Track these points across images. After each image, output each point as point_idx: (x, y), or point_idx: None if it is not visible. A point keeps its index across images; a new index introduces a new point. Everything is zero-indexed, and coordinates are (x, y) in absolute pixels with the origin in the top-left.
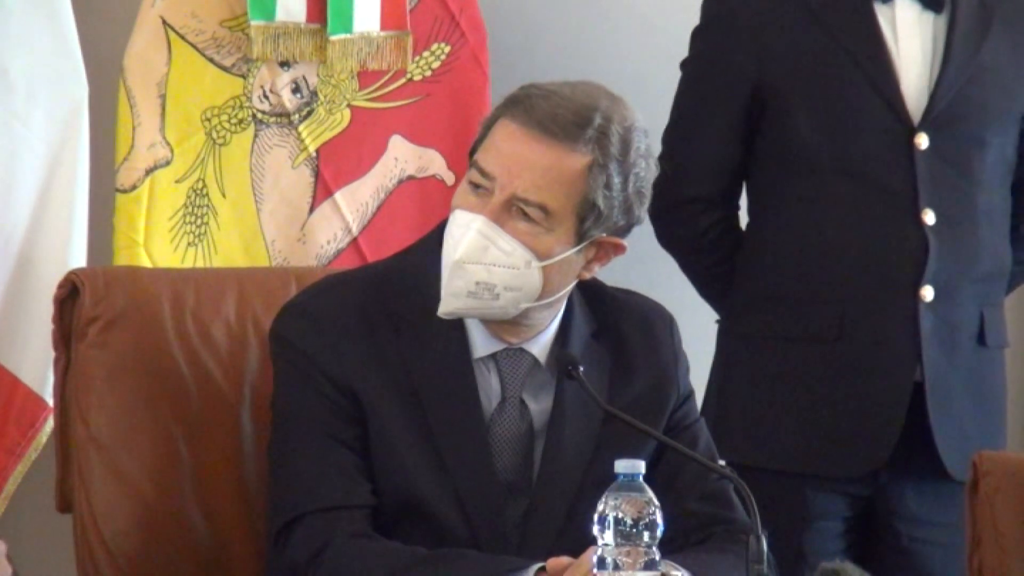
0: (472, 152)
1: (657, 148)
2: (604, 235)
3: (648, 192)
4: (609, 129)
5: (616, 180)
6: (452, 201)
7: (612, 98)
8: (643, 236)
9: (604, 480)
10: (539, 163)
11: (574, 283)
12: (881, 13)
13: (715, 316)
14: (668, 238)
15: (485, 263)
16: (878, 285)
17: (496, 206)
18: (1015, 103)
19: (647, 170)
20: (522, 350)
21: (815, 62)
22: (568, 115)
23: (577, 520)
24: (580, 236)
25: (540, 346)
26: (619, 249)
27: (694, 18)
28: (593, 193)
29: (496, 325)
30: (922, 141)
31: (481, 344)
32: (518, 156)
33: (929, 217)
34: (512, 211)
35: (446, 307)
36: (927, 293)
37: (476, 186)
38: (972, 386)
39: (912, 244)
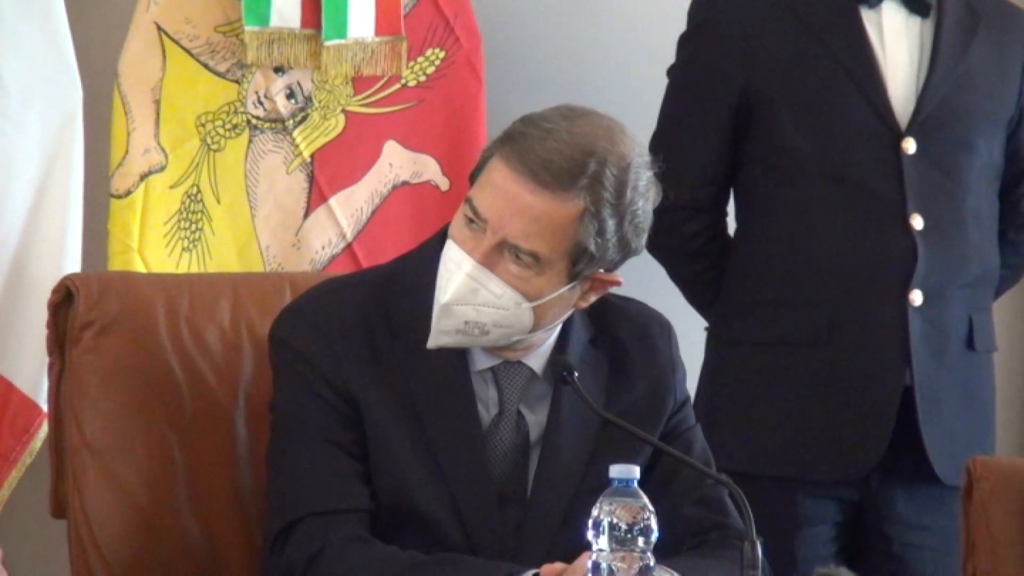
0: (472, 178)
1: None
2: (599, 272)
3: (648, 223)
4: (603, 175)
5: (610, 224)
6: (450, 228)
7: (611, 136)
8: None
9: (600, 486)
10: (530, 211)
11: (569, 312)
12: (868, 18)
13: (704, 323)
14: (656, 245)
15: (474, 304)
16: (867, 290)
17: (487, 249)
18: (1002, 107)
19: (647, 203)
20: (520, 363)
21: (802, 68)
22: (562, 161)
23: (573, 525)
24: (572, 276)
25: (538, 358)
26: (613, 284)
27: (682, 25)
28: (585, 240)
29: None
30: (909, 146)
31: (480, 358)
32: (510, 202)
33: (917, 222)
34: (504, 253)
35: (435, 342)
36: (916, 298)
37: (471, 220)
38: (961, 390)
39: (900, 249)
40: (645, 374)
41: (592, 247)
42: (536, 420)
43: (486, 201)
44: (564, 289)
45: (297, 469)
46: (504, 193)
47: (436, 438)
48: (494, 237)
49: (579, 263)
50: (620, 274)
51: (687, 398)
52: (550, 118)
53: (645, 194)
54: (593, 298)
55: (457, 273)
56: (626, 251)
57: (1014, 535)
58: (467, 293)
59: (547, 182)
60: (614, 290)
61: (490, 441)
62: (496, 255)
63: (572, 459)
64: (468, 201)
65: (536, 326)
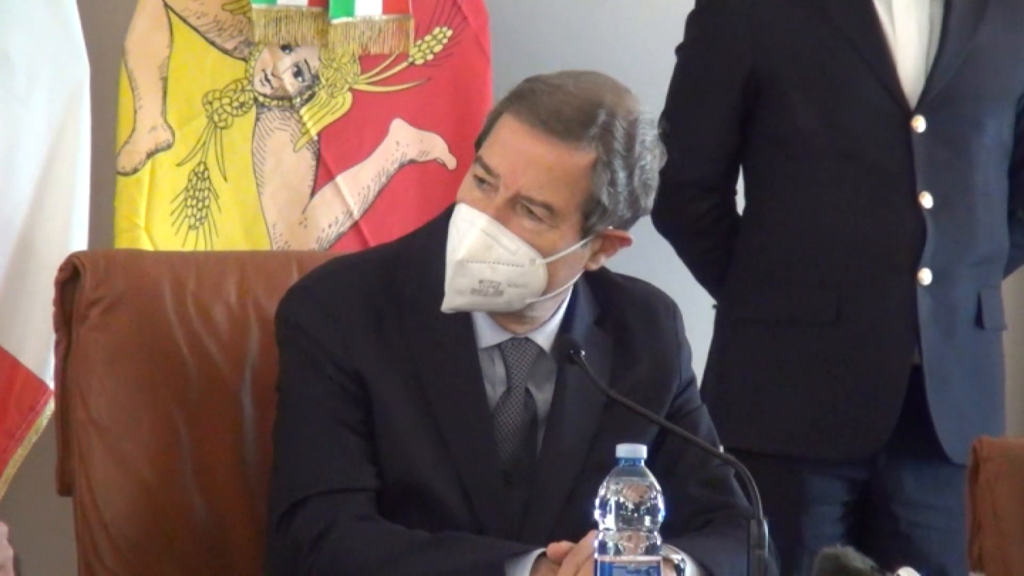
0: (478, 144)
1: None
2: (610, 228)
3: (655, 182)
4: (613, 125)
5: (621, 175)
6: (457, 194)
7: (617, 91)
8: (640, 222)
9: (605, 465)
10: (543, 162)
11: (580, 274)
12: None
13: (712, 301)
14: (665, 223)
15: (489, 261)
16: (876, 268)
17: (500, 204)
18: (1011, 85)
19: (654, 161)
20: (527, 339)
21: (811, 45)
22: (572, 112)
23: (578, 505)
24: (585, 232)
25: (545, 335)
26: (625, 241)
27: (691, 3)
28: (598, 191)
29: (501, 316)
30: (919, 124)
31: (487, 334)
32: (522, 154)
33: (926, 200)
34: (516, 209)
35: (449, 303)
36: (925, 276)
37: (481, 181)
38: (970, 369)
39: (909, 227)
40: (650, 354)
41: (605, 198)
42: (544, 398)
43: (497, 156)
44: (577, 246)
45: (303, 448)
46: (516, 146)
47: (443, 416)
48: (507, 191)
49: (592, 216)
50: (627, 254)
51: (692, 378)
52: (555, 77)
53: (652, 150)
54: (603, 259)
55: (471, 230)
56: (636, 209)
57: (1020, 515)
58: (482, 249)
59: (559, 131)
60: (617, 270)
61: (498, 419)
62: (509, 210)
63: (576, 438)
64: (478, 161)
65: (549, 286)
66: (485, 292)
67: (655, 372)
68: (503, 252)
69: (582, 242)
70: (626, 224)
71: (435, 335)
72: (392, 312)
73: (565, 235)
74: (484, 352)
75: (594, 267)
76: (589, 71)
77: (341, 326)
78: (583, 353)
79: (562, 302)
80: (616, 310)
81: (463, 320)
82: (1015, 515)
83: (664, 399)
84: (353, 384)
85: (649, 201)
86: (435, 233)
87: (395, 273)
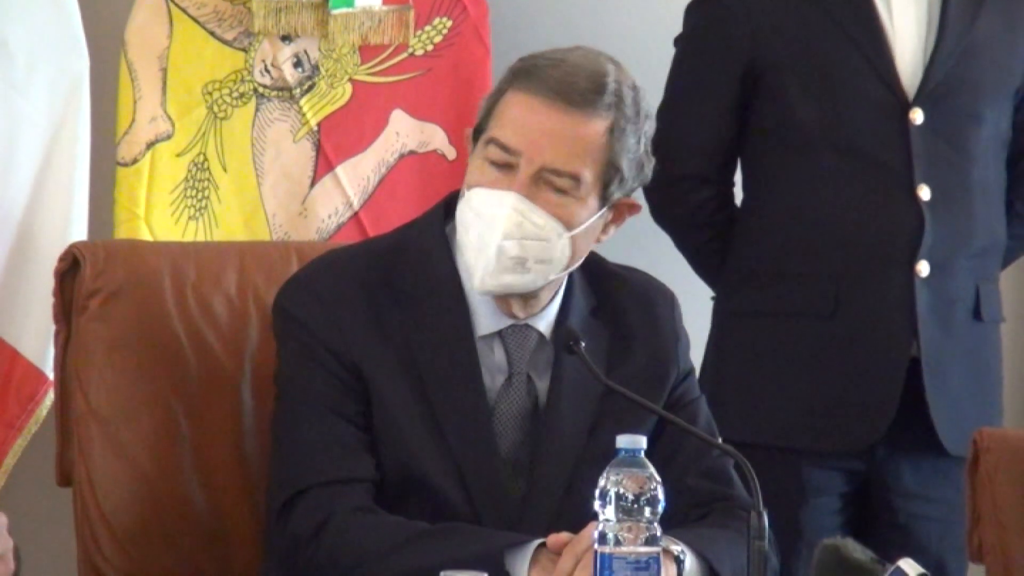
0: (477, 132)
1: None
2: (623, 196)
3: (651, 151)
4: (623, 92)
5: (632, 141)
6: (467, 180)
7: (613, 61)
8: (639, 215)
9: (603, 455)
10: (565, 132)
11: (594, 245)
12: None
13: (711, 293)
14: (663, 215)
15: (518, 238)
16: (873, 260)
17: (525, 180)
18: (1009, 78)
19: (651, 129)
20: (528, 326)
21: (809, 37)
22: (584, 82)
23: (576, 495)
24: (603, 200)
25: (546, 322)
26: (634, 209)
27: None
28: (616, 158)
29: (508, 300)
30: (917, 116)
31: (486, 321)
32: (542, 127)
33: (924, 192)
34: (540, 183)
35: (483, 286)
36: (923, 268)
37: (497, 163)
38: (968, 361)
39: (907, 219)
40: (647, 344)
41: (623, 165)
42: (545, 386)
43: (516, 134)
44: (597, 216)
45: (301, 439)
46: (534, 120)
47: (441, 407)
48: (531, 166)
49: (611, 184)
50: (626, 246)
51: (691, 369)
52: (550, 53)
53: (650, 118)
54: (613, 230)
55: (500, 209)
56: (642, 176)
57: (1020, 507)
58: (514, 227)
59: (576, 101)
60: (619, 260)
61: (499, 406)
62: (534, 186)
63: (574, 428)
64: (491, 143)
65: (571, 260)
66: (515, 271)
67: (653, 362)
68: (532, 228)
69: (600, 212)
70: (632, 192)
71: (432, 325)
72: (389, 303)
73: (588, 205)
74: (484, 340)
75: (604, 239)
76: (576, 46)
77: (338, 317)
78: (583, 344)
79: (560, 286)
80: (613, 300)
81: (460, 309)
82: (1014, 506)
83: (662, 389)
84: (351, 375)
85: (650, 168)
86: (431, 224)
87: (392, 264)
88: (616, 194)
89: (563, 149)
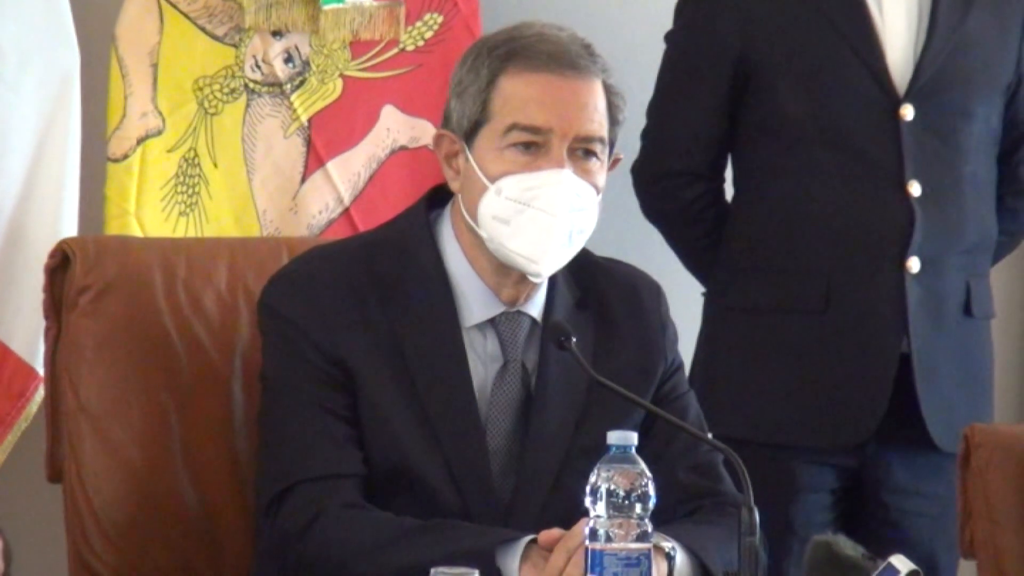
0: (476, 126)
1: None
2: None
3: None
4: (597, 53)
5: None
6: (488, 173)
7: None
8: (629, 209)
9: (590, 449)
10: (583, 99)
11: None
12: None
13: (701, 289)
14: (654, 211)
15: (576, 213)
16: (864, 257)
17: (564, 155)
18: (1000, 73)
19: None
20: (520, 312)
21: (800, 34)
22: (574, 48)
23: (564, 489)
24: (609, 157)
25: (537, 307)
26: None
27: None
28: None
29: (513, 284)
30: (907, 112)
31: (478, 310)
32: (564, 99)
33: (915, 188)
34: (573, 155)
35: (549, 268)
36: (913, 264)
37: (525, 146)
38: (959, 357)
39: (898, 215)
40: (634, 336)
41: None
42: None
43: (539, 111)
44: (605, 172)
45: (289, 435)
46: (553, 95)
47: (429, 400)
48: (564, 140)
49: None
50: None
51: (680, 364)
52: (516, 30)
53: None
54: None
55: (554, 188)
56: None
57: (1011, 502)
58: (573, 206)
59: (580, 67)
60: (610, 255)
61: (495, 396)
62: (570, 159)
63: (562, 420)
64: (513, 129)
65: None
66: (570, 247)
67: (640, 355)
68: (580, 200)
69: (606, 168)
70: None
71: (418, 317)
72: (375, 297)
73: (605, 164)
74: (475, 329)
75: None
76: (522, 22)
77: (323, 312)
78: (574, 339)
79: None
80: (598, 292)
81: (446, 300)
82: (1006, 502)
83: (650, 383)
84: (337, 370)
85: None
86: (415, 216)
87: (377, 258)
88: (613, 148)
89: (591, 115)
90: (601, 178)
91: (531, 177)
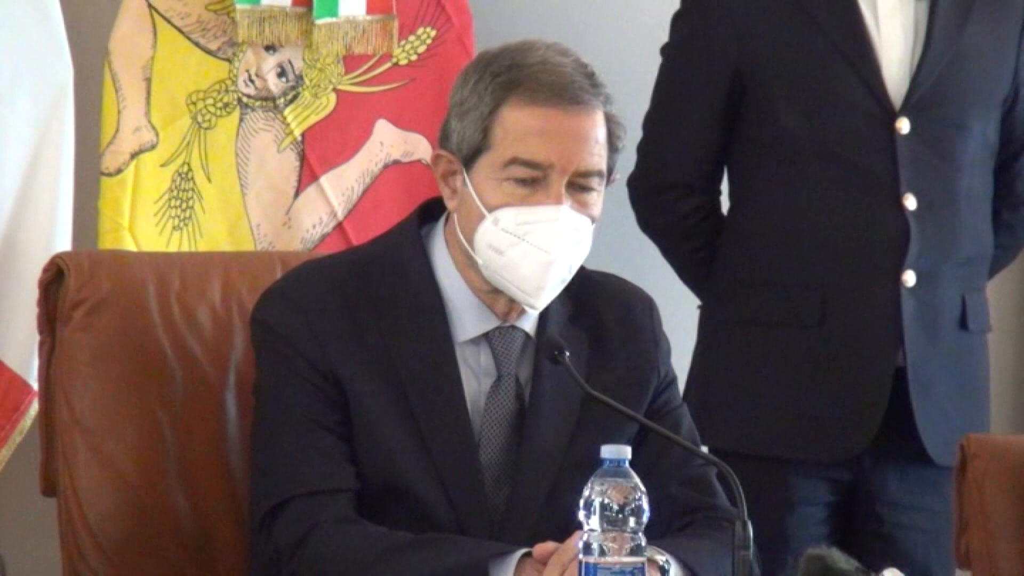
0: (476, 152)
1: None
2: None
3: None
4: (599, 79)
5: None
6: (486, 203)
7: (574, 51)
8: (624, 222)
9: (584, 463)
10: (583, 133)
11: None
12: None
13: (697, 302)
14: (649, 224)
15: (571, 247)
16: (860, 270)
17: (562, 190)
18: (996, 87)
19: None
20: (514, 327)
21: (795, 46)
22: (577, 79)
23: (557, 502)
24: (606, 183)
25: (531, 322)
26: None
27: (676, 3)
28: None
29: (507, 301)
30: (903, 125)
31: (471, 324)
32: (564, 134)
33: (910, 202)
34: (572, 188)
35: (545, 301)
36: (909, 278)
37: (524, 180)
38: (954, 371)
39: (893, 229)
40: (626, 350)
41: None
42: (530, 389)
43: (540, 147)
44: (602, 199)
45: (282, 450)
46: (554, 129)
47: (422, 415)
48: (563, 175)
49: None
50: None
51: (673, 378)
52: (517, 57)
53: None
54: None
55: (551, 225)
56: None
57: (1007, 512)
58: (572, 242)
59: (582, 99)
60: (604, 269)
61: (488, 410)
62: (568, 193)
63: (556, 434)
64: (513, 163)
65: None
66: (563, 280)
67: (633, 369)
68: (577, 234)
69: (603, 195)
70: None
71: (410, 332)
72: (367, 312)
73: (602, 195)
74: (469, 344)
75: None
76: (524, 41)
77: (316, 327)
78: (567, 354)
79: None
80: (591, 306)
81: (438, 315)
82: (1002, 512)
83: (643, 396)
84: (329, 385)
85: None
86: (407, 231)
87: (369, 272)
88: (611, 175)
89: (588, 149)
90: (598, 208)
91: (528, 211)
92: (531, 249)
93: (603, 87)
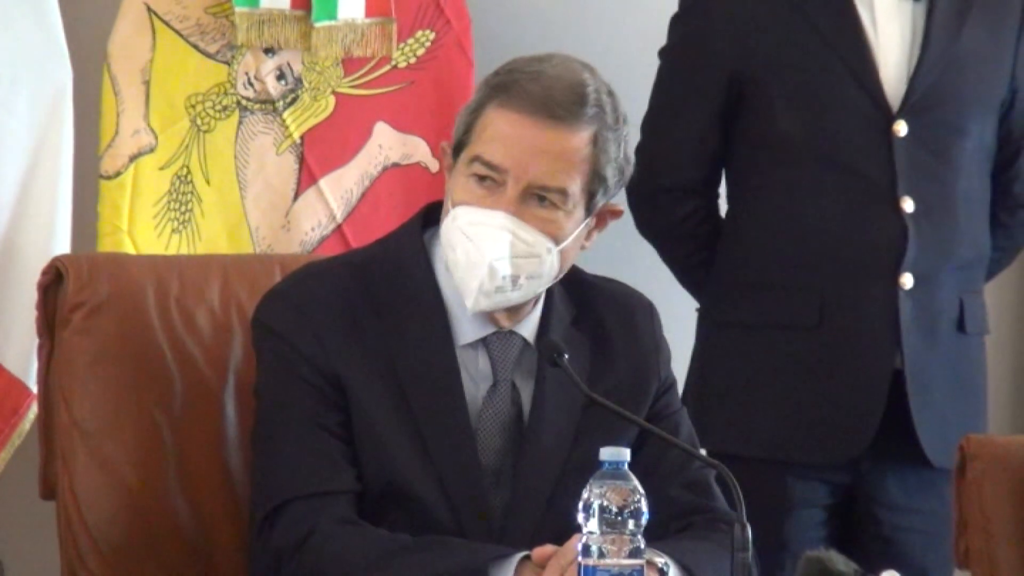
0: (459, 146)
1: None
2: (607, 203)
3: (630, 155)
4: (602, 100)
5: (613, 148)
6: (451, 196)
7: (589, 68)
8: (623, 225)
9: (584, 467)
10: (551, 148)
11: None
12: (860, 0)
13: (695, 304)
14: (648, 227)
15: (510, 257)
16: (857, 273)
17: (514, 197)
18: (994, 90)
19: (628, 132)
20: (512, 332)
21: (793, 49)
22: (565, 94)
23: (558, 506)
24: (589, 210)
25: (530, 328)
26: (616, 214)
27: (674, 6)
28: (601, 167)
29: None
30: (901, 128)
31: (470, 329)
32: (528, 144)
33: (908, 205)
34: (528, 200)
35: (476, 306)
36: (906, 281)
37: (483, 178)
38: (952, 374)
39: (891, 232)
40: (628, 355)
41: (607, 173)
42: (528, 394)
43: (501, 151)
44: (582, 226)
45: (282, 452)
46: (519, 137)
47: (422, 417)
48: (518, 184)
49: (596, 194)
50: (610, 257)
51: (673, 382)
52: (523, 64)
53: (627, 122)
54: (596, 236)
55: (488, 228)
56: (623, 181)
57: (1006, 513)
58: (504, 247)
59: (560, 115)
60: (598, 273)
61: (484, 414)
62: (521, 203)
63: (557, 438)
64: (476, 160)
65: (559, 272)
66: (506, 288)
67: (633, 373)
68: (522, 246)
69: (586, 221)
70: (614, 197)
71: (412, 334)
72: (368, 314)
73: (573, 217)
74: (467, 348)
75: (588, 245)
76: (550, 54)
77: (317, 329)
78: (567, 357)
79: (541, 295)
80: (593, 311)
81: (440, 318)
82: (1001, 513)
83: (643, 401)
84: (330, 387)
85: (630, 171)
86: (409, 233)
87: (370, 275)
88: (600, 202)
89: (550, 165)
90: (560, 227)
91: (477, 212)
92: (472, 250)
93: (596, 109)
